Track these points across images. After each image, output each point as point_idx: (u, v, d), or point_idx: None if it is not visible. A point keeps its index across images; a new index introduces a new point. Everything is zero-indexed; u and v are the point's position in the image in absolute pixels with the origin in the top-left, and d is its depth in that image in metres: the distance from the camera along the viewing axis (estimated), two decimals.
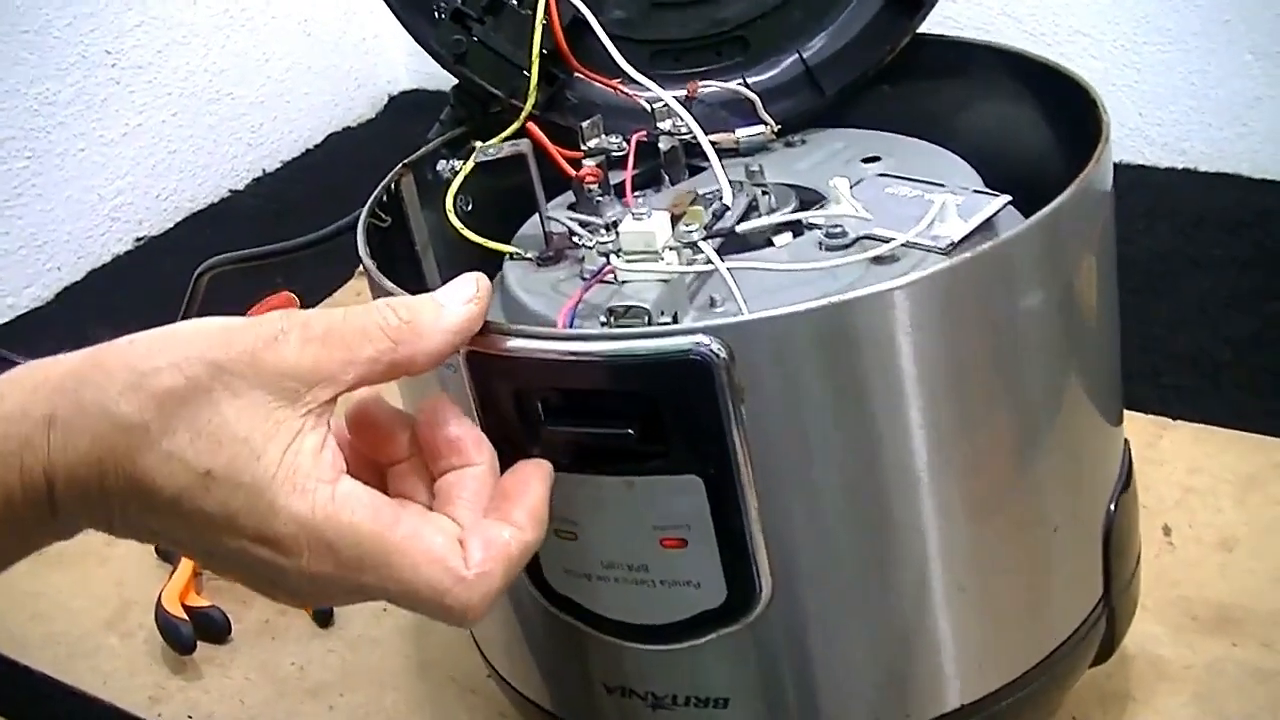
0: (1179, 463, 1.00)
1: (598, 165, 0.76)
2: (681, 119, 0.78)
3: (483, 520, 0.57)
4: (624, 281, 0.65)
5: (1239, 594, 0.89)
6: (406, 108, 1.94)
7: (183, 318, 0.91)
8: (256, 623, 1.03)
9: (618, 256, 0.66)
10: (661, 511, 0.61)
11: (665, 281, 0.64)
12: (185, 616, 1.01)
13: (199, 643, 1.00)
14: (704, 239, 0.67)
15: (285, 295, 1.42)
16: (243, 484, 0.52)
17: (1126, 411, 0.76)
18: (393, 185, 0.78)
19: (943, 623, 0.66)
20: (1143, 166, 1.46)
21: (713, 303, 0.66)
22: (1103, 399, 0.71)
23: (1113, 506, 0.72)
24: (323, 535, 0.53)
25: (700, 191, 0.76)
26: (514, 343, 0.60)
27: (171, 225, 1.75)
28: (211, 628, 1.02)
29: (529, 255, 0.74)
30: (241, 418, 0.52)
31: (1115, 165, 0.69)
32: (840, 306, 0.57)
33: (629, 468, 0.61)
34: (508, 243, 0.76)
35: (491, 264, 0.76)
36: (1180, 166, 1.45)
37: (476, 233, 0.73)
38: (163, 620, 1.01)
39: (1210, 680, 0.84)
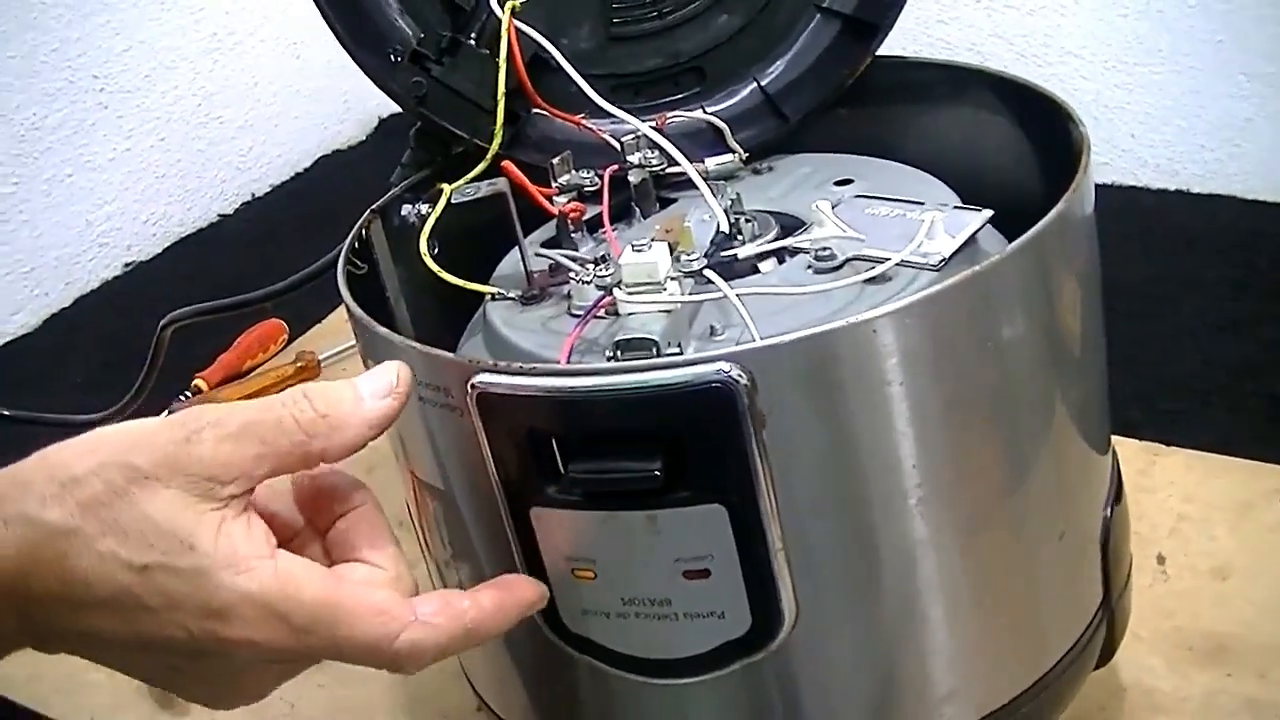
0: (1172, 490, 1.00)
1: (571, 200, 0.75)
2: (654, 151, 0.78)
3: (445, 590, 0.60)
4: (628, 314, 0.64)
5: (1234, 624, 0.88)
6: (396, 130, 1.90)
7: (147, 370, 0.91)
8: None
9: (619, 289, 0.65)
10: (684, 543, 0.61)
11: (668, 312, 0.64)
12: None
13: None
14: (707, 267, 0.67)
15: (274, 323, 1.42)
16: (182, 570, 0.53)
17: (1119, 438, 0.75)
18: (363, 231, 0.77)
19: (961, 637, 0.66)
20: (1134, 188, 1.45)
21: (713, 331, 0.65)
22: (1095, 412, 0.71)
23: (1108, 513, 0.73)
24: (274, 607, 0.54)
25: (686, 222, 0.75)
26: (528, 381, 0.59)
27: (160, 250, 1.75)
28: None
29: (512, 295, 0.73)
30: (164, 514, 0.53)
31: (1107, 187, 0.69)
32: (863, 326, 0.57)
33: (650, 502, 0.60)
34: (481, 283, 0.75)
35: (461, 307, 0.77)
36: (1172, 188, 1.44)
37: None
38: None
39: (1205, 713, 0.82)
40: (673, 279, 0.65)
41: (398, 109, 0.81)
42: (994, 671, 0.68)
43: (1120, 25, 1.43)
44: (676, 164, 0.77)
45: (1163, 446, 1.04)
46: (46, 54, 1.61)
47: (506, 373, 0.59)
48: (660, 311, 0.64)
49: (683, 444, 0.58)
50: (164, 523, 0.53)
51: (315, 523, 0.61)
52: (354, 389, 0.58)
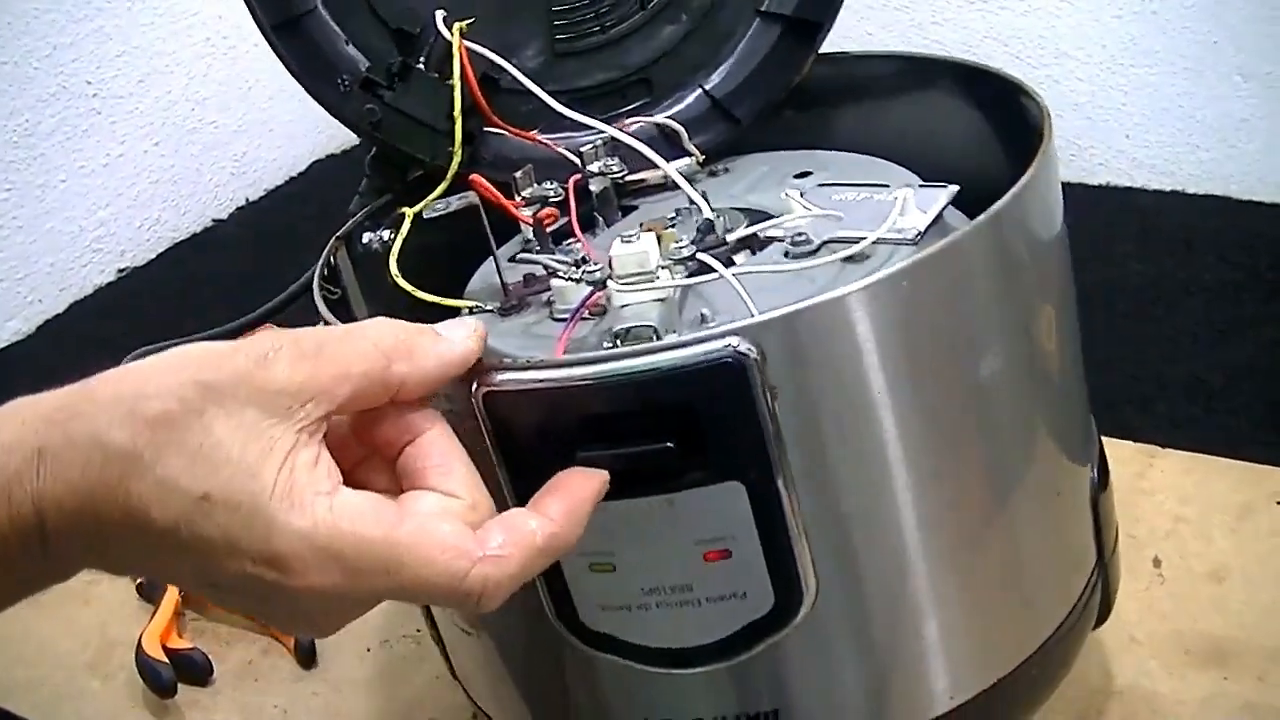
0: (1170, 492, 0.99)
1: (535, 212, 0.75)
2: (614, 160, 0.79)
3: (512, 509, 0.56)
4: (621, 306, 0.64)
5: (1232, 627, 0.88)
6: None
7: None
8: (239, 664, 1.01)
9: (611, 282, 0.65)
10: (704, 524, 0.61)
11: (661, 301, 0.64)
12: (165, 659, 0.99)
13: (180, 685, 0.99)
14: (700, 250, 0.67)
15: (267, 329, 1.41)
16: (241, 504, 0.51)
17: (1115, 441, 0.75)
18: (331, 258, 0.77)
19: (974, 602, 0.67)
20: (1130, 189, 1.45)
21: (704, 318, 0.65)
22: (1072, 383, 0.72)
23: (1094, 473, 0.73)
24: (327, 548, 0.51)
25: (668, 217, 0.76)
26: (538, 375, 0.59)
27: (154, 256, 1.74)
28: (193, 670, 1.00)
29: (489, 307, 0.73)
30: (235, 438, 0.51)
31: (1102, 188, 0.69)
32: (876, 288, 0.58)
33: (668, 485, 0.60)
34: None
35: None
36: (1168, 189, 1.44)
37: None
38: (143, 663, 0.99)
39: (1203, 716, 0.82)
40: (663, 267, 0.65)
41: None
42: (1007, 632, 0.69)
43: (1115, 26, 1.42)
44: (637, 171, 0.78)
45: (1159, 449, 1.03)
46: (39, 60, 1.61)
47: (514, 369, 0.59)
48: (654, 300, 0.64)
49: (697, 422, 0.58)
50: (234, 448, 0.51)
51: (383, 452, 0.58)
52: (432, 328, 0.57)
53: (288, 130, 1.89)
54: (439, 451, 0.56)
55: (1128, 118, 1.45)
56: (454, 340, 0.57)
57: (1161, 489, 0.99)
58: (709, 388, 0.57)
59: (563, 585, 0.64)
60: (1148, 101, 1.43)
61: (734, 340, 0.56)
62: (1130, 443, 1.03)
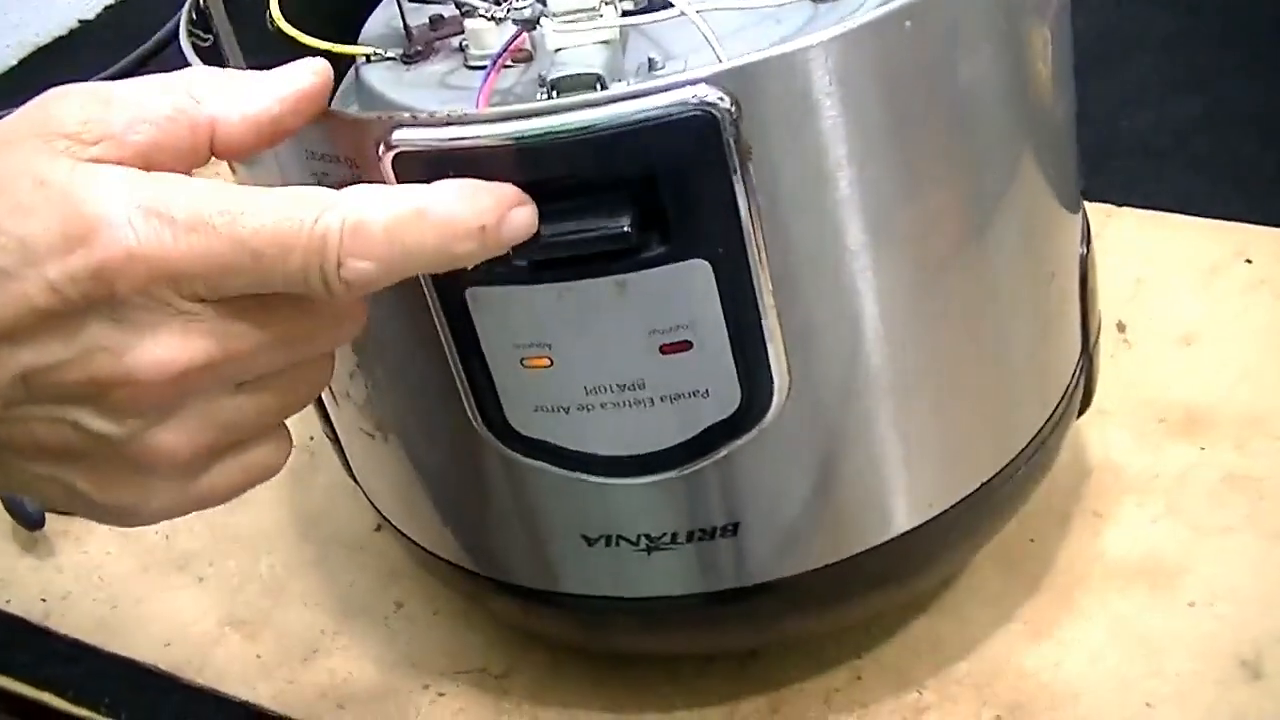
0: (1129, 253, 0.92)
1: None
2: None
3: None
4: (556, 49, 0.54)
5: (1206, 393, 0.82)
6: None
7: None
8: None
9: (546, 20, 0.55)
10: (660, 311, 0.52)
11: (606, 43, 0.54)
12: None
13: (47, 515, 0.89)
14: None
15: None
16: (34, 204, 0.42)
17: None
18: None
19: (954, 402, 0.60)
20: None
21: (652, 65, 0.56)
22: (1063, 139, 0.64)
23: (1084, 250, 0.67)
24: (154, 206, 0.42)
25: None
26: (459, 132, 0.48)
27: (15, 63, 1.60)
28: None
29: (391, 54, 0.62)
30: (16, 161, 0.43)
31: None
32: (877, 26, 0.49)
33: (619, 265, 0.51)
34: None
35: None
36: None
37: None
38: (4, 496, 0.89)
39: (1180, 489, 0.76)
40: (606, 3, 0.55)
41: None
42: (989, 435, 0.63)
43: None
44: None
45: (1115, 208, 0.96)
46: None
47: (431, 125, 0.48)
48: (598, 43, 0.54)
49: (656, 189, 0.49)
50: (12, 169, 0.42)
51: None
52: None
53: None
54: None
55: None
56: (284, 76, 0.47)
57: (1119, 248, 0.92)
58: (672, 147, 0.48)
59: (488, 381, 0.55)
60: None
61: (703, 89, 0.47)
62: (1085, 202, 0.95)
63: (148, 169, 0.44)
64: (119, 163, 0.44)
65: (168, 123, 0.45)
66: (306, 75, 0.47)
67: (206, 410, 0.46)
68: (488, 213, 0.46)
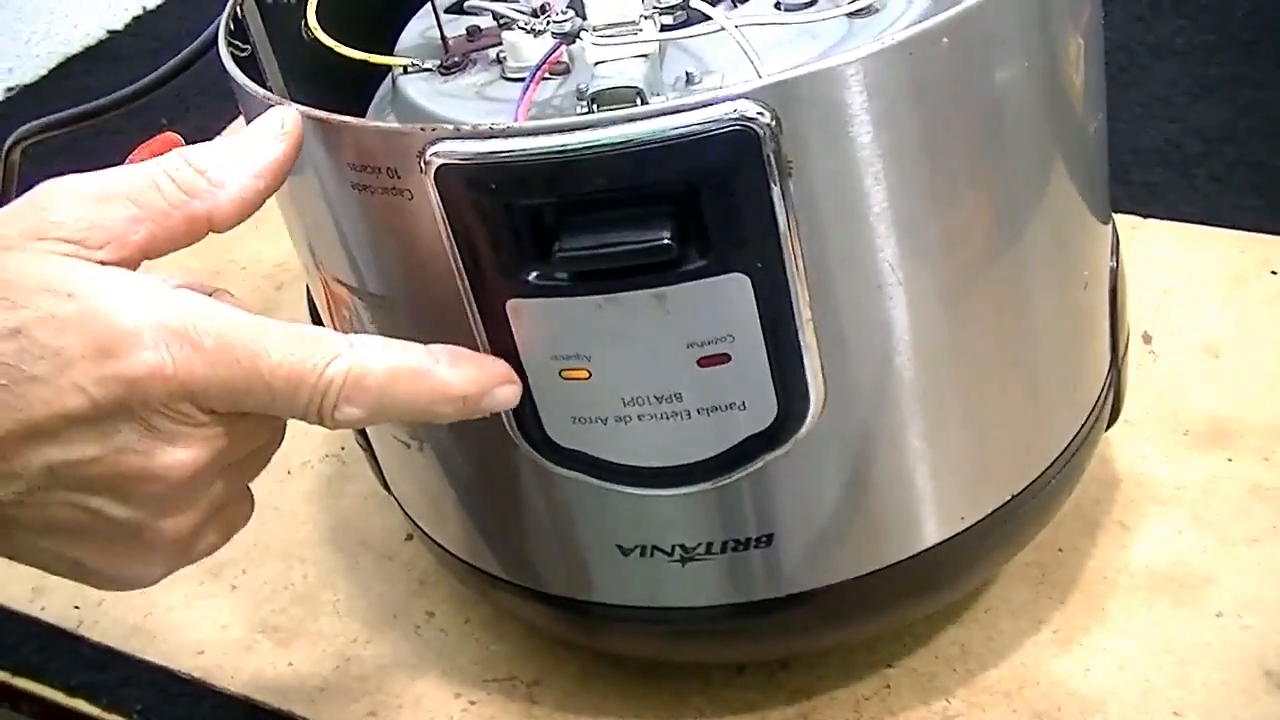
0: (1154, 264, 0.92)
1: None
2: None
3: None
4: (596, 62, 0.55)
5: (1232, 404, 0.82)
6: None
7: (0, 198, 0.78)
8: None
9: (586, 34, 0.55)
10: (699, 324, 0.52)
11: (644, 57, 0.54)
12: None
13: None
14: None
15: (169, 137, 1.29)
16: (65, 317, 0.45)
17: None
18: (237, 10, 0.65)
19: (993, 412, 0.61)
20: None
21: (689, 79, 0.56)
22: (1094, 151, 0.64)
23: (1114, 262, 0.67)
24: (183, 332, 0.47)
25: None
26: (503, 145, 0.49)
27: (45, 72, 1.61)
28: None
29: (428, 65, 0.63)
30: (27, 266, 0.46)
31: None
32: (912, 44, 0.50)
33: (660, 277, 0.51)
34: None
35: (357, 93, 0.67)
36: None
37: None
38: None
39: (1206, 500, 0.77)
40: (646, 17, 0.56)
41: None
42: (1019, 449, 0.63)
43: None
44: None
45: (1140, 219, 0.96)
46: None
47: (474, 137, 0.49)
48: (637, 57, 0.54)
49: (696, 203, 0.49)
50: (30, 276, 0.46)
51: None
52: (234, 140, 0.50)
53: None
54: None
55: None
56: (262, 150, 0.51)
57: (1145, 260, 0.92)
58: (715, 161, 0.49)
59: (527, 394, 0.55)
60: None
61: (744, 104, 0.48)
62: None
63: (150, 258, 0.49)
64: (123, 261, 0.48)
65: (164, 218, 0.49)
66: (276, 145, 0.51)
67: (205, 495, 0.52)
68: (474, 384, 0.52)
